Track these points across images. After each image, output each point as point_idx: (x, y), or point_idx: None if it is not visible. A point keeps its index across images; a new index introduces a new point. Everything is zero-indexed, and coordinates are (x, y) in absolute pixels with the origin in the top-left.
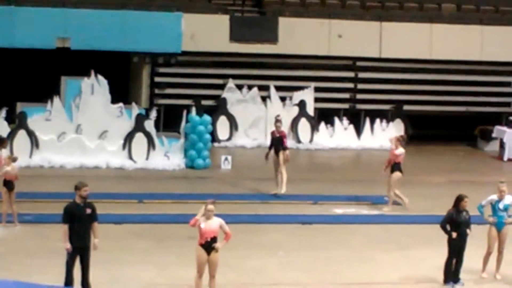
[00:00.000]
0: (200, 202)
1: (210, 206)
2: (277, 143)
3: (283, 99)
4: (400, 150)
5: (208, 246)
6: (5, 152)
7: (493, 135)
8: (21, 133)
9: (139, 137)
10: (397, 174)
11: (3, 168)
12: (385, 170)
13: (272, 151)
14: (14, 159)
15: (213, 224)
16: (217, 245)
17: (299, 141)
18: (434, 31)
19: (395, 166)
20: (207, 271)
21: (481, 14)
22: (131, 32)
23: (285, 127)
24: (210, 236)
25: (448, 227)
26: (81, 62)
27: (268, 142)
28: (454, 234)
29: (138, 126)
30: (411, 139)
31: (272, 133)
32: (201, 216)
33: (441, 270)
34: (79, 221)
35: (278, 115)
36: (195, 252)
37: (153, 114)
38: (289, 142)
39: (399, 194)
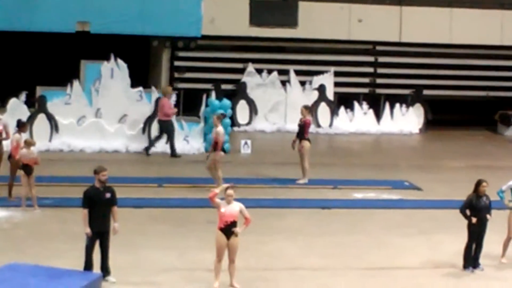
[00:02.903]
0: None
1: (230, 191)
2: (299, 131)
3: (302, 83)
4: (218, 129)
5: (228, 230)
6: (24, 136)
7: None
8: (41, 117)
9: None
10: (218, 153)
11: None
12: (211, 151)
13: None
14: (30, 143)
15: (233, 209)
16: (237, 229)
17: (318, 126)
18: (454, 16)
19: (216, 146)
20: (227, 256)
21: None
22: (151, 16)
23: None
24: (230, 221)
25: (467, 212)
26: (101, 46)
27: (287, 126)
28: (473, 219)
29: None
30: (430, 124)
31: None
32: (220, 191)
33: (461, 255)
34: (98, 206)
35: (306, 105)
36: (214, 237)
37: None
38: None
39: (219, 174)
